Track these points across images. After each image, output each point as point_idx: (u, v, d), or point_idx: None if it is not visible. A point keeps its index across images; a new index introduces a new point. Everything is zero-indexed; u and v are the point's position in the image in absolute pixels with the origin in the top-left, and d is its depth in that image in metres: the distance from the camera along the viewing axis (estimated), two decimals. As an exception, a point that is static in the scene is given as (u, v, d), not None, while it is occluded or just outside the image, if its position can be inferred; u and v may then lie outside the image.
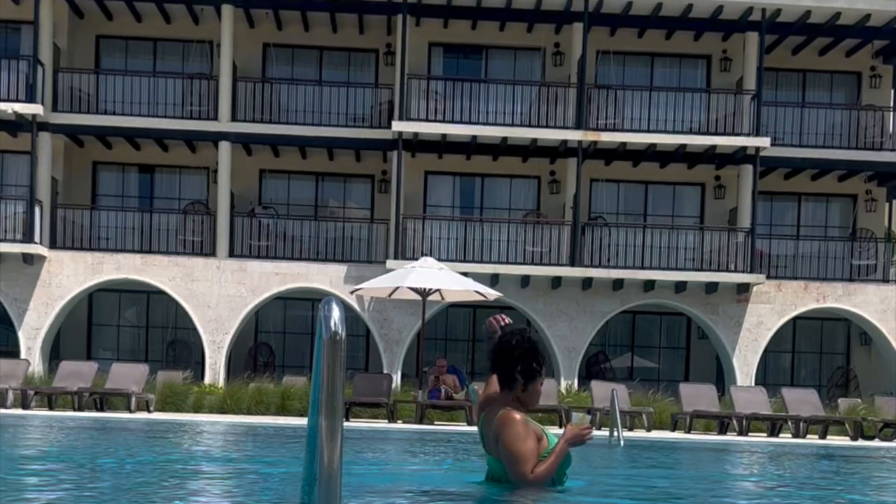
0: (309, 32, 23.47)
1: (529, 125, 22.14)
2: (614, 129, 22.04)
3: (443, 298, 18.15)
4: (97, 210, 22.93)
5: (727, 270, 22.06)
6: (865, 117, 23.19)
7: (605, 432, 12.78)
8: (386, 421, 16.40)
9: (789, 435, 16.95)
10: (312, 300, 22.72)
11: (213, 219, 22.41)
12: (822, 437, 16.82)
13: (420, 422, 16.13)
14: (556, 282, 21.99)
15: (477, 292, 17.35)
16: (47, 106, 21.58)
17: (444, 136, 21.94)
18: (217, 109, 22.19)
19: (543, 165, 23.37)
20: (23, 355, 20.67)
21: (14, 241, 21.24)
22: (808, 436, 16.73)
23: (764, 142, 21.83)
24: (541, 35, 23.23)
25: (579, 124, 21.82)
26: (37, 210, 21.32)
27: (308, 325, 23.86)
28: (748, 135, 22.02)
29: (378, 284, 17.86)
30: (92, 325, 24.04)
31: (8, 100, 21.08)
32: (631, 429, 16.45)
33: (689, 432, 16.76)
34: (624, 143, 22.10)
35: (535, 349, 4.69)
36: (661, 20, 22.15)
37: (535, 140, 22.07)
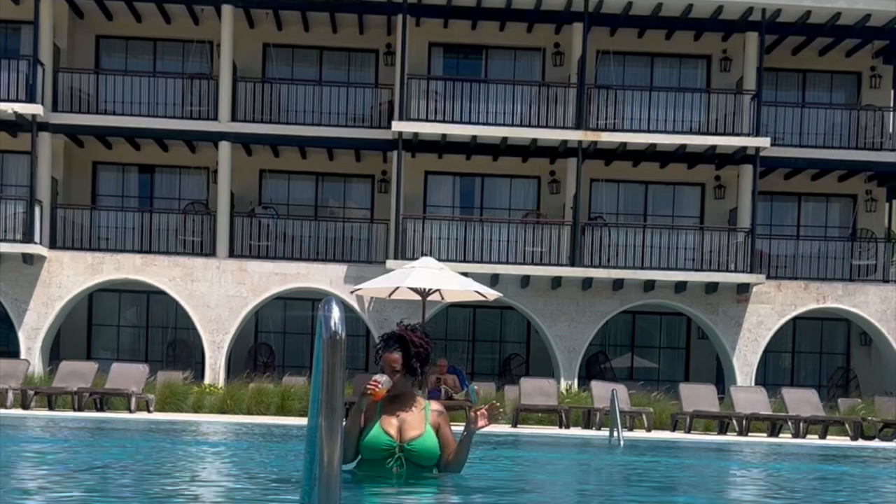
0: (309, 32, 23.48)
1: (529, 125, 22.13)
2: (614, 129, 22.04)
3: (443, 298, 18.12)
4: (97, 210, 22.93)
5: (727, 270, 22.06)
6: (865, 117, 23.19)
7: (605, 432, 12.77)
8: (386, 421, 16.33)
9: (789, 435, 16.96)
10: (312, 300, 22.72)
11: (213, 219, 22.42)
12: (822, 437, 16.82)
13: (420, 422, 16.05)
14: (556, 282, 21.99)
15: (477, 292, 17.32)
16: (47, 106, 21.59)
17: (444, 136, 21.94)
18: (217, 109, 22.19)
19: (543, 165, 23.38)
20: (23, 355, 20.67)
21: (14, 241, 21.24)
22: (808, 436, 16.74)
23: (764, 142, 21.83)
24: (541, 35, 23.24)
25: (579, 124, 21.82)
26: (37, 210, 21.32)
27: (308, 325, 23.86)
28: (748, 135, 22.02)
29: (378, 284, 17.83)
30: (92, 325, 24.04)
31: (8, 100, 21.09)
32: (631, 429, 16.44)
33: (689, 432, 16.76)
34: (624, 143, 22.10)
35: None
36: (661, 20, 22.16)
37: (535, 140, 22.07)
